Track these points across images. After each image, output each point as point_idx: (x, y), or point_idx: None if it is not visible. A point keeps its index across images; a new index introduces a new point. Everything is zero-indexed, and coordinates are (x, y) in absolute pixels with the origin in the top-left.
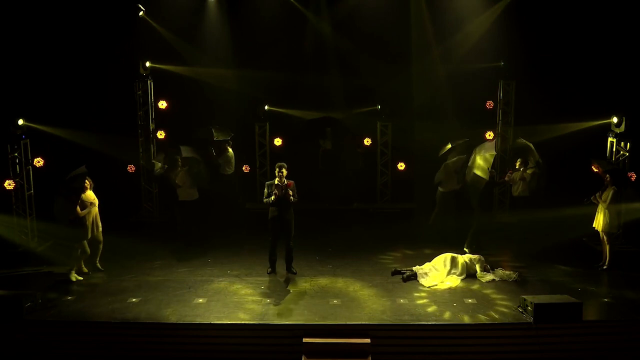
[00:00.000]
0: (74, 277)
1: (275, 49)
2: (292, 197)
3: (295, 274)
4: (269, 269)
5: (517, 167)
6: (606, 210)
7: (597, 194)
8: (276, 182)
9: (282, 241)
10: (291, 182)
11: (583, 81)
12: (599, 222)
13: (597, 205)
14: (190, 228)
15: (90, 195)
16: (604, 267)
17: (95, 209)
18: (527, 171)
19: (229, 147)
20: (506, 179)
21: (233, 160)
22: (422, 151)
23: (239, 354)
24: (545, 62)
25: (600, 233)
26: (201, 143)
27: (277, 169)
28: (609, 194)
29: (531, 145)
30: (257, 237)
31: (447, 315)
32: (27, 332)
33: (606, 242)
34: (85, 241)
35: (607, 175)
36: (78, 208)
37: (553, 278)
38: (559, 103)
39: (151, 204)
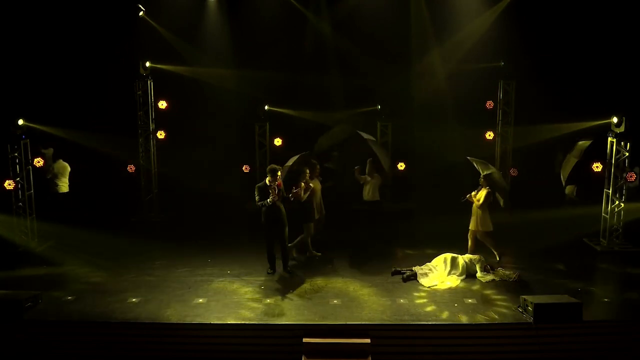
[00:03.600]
0: (315, 253)
1: (275, 49)
2: (300, 192)
3: (290, 273)
4: (269, 269)
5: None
6: (478, 210)
7: (473, 193)
8: (268, 183)
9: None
10: (280, 182)
11: (583, 81)
12: (471, 221)
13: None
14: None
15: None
16: (498, 261)
17: (319, 195)
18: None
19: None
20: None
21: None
22: (422, 151)
23: (239, 354)
24: (545, 62)
25: (470, 232)
26: None
27: (270, 174)
28: (482, 194)
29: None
30: (257, 237)
31: (447, 315)
32: (27, 332)
33: (483, 242)
34: (311, 223)
35: (481, 177)
36: (301, 190)
37: (553, 278)
38: (559, 103)
39: (151, 204)
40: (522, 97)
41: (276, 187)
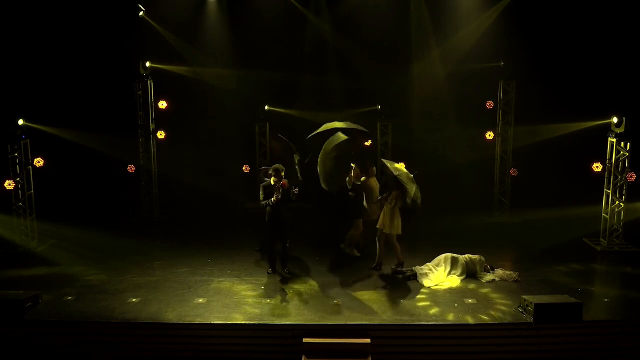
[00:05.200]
0: (355, 252)
1: (275, 49)
2: (293, 192)
3: (289, 274)
4: (269, 269)
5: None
6: (389, 210)
7: (385, 194)
8: (272, 182)
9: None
10: (285, 181)
11: (583, 81)
12: (379, 221)
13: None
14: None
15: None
16: (377, 268)
17: (375, 193)
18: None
19: None
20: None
21: None
22: (422, 151)
23: (238, 354)
24: (545, 62)
25: (378, 232)
26: None
27: (273, 172)
28: (395, 196)
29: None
30: (257, 237)
31: (447, 315)
32: (27, 332)
33: (382, 242)
34: (360, 219)
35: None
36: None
37: (553, 278)
38: (559, 103)
39: (151, 204)
40: (522, 97)
41: (280, 187)
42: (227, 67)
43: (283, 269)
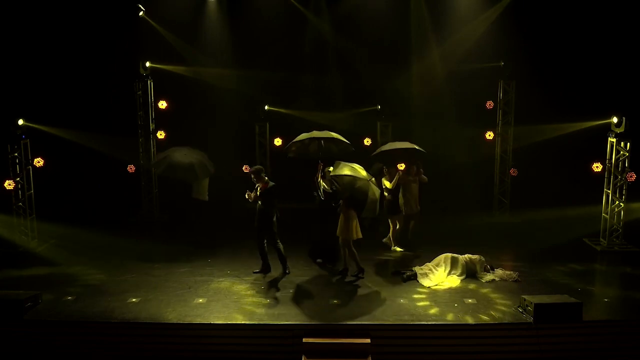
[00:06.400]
0: (397, 249)
1: (275, 48)
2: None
3: (288, 274)
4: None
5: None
6: (343, 216)
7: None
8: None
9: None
10: (263, 184)
11: (583, 81)
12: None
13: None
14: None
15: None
16: (346, 274)
17: (415, 192)
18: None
19: None
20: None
21: None
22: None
23: (238, 354)
24: (545, 62)
25: (340, 238)
26: None
27: (254, 175)
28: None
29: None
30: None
31: (447, 315)
32: (27, 332)
33: (342, 248)
34: (399, 215)
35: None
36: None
37: (553, 278)
38: (559, 103)
39: (151, 204)
40: (522, 97)
41: (257, 188)
42: (227, 67)
43: (284, 269)
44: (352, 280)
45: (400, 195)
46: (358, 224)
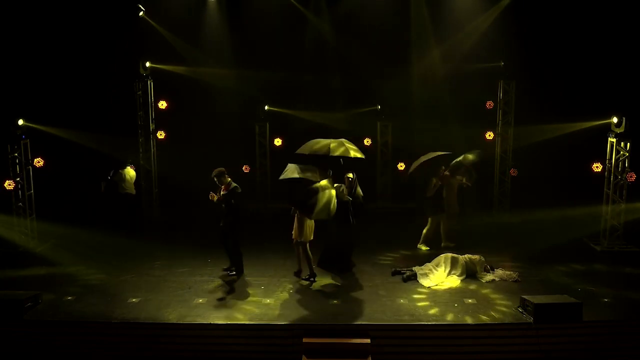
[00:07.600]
0: (450, 244)
1: (275, 49)
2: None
3: (231, 274)
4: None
5: None
6: (298, 219)
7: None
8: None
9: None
10: (225, 187)
11: (583, 81)
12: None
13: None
14: None
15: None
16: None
17: (454, 191)
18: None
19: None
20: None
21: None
22: (423, 151)
23: (239, 354)
24: (545, 62)
25: (294, 240)
26: None
27: (217, 177)
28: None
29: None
30: (256, 237)
31: (447, 315)
32: (27, 332)
33: (296, 249)
34: (435, 216)
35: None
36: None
37: (553, 278)
38: (558, 103)
39: (151, 204)
40: (522, 97)
41: (220, 191)
42: (227, 67)
43: (228, 267)
44: (351, 280)
45: (445, 195)
46: (313, 226)
